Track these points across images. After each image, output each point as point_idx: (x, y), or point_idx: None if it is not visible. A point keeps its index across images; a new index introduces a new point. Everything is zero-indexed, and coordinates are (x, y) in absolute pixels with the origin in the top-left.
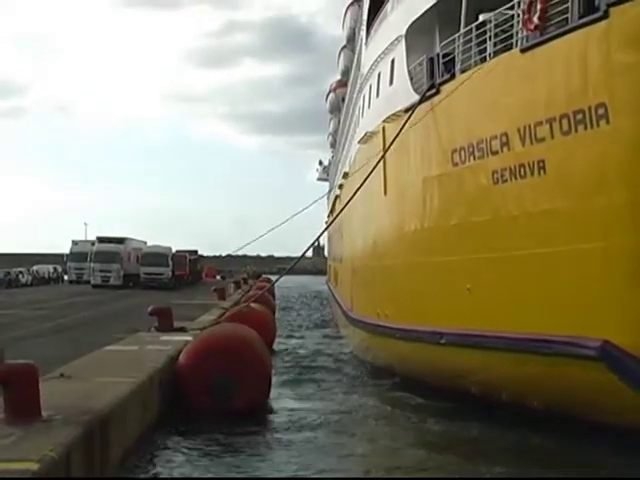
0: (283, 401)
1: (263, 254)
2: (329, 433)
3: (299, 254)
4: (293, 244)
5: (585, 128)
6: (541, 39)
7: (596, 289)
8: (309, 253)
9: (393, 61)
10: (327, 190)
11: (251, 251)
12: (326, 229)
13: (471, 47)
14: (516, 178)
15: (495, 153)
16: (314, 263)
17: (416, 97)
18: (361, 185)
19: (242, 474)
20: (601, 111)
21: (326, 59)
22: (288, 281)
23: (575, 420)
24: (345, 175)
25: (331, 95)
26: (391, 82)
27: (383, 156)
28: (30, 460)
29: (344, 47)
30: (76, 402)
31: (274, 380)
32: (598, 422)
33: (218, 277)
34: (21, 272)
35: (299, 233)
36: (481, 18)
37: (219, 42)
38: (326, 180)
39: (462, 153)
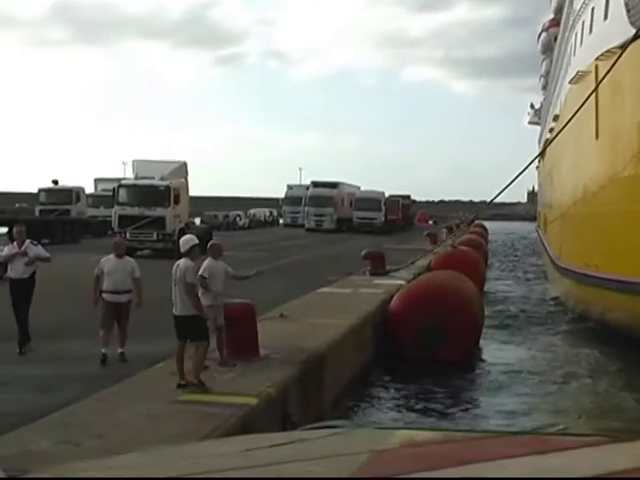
0: (491, 349)
1: (476, 199)
2: (535, 383)
3: (513, 200)
4: (507, 190)
5: None
6: None
7: None
8: (523, 199)
9: None
10: (538, 134)
11: (464, 196)
12: (524, 170)
13: None
14: None
15: None
16: (527, 209)
17: (632, 31)
18: (570, 129)
19: (447, 421)
20: None
21: None
22: (500, 227)
23: None
24: (555, 118)
25: (543, 35)
26: (606, 16)
27: (595, 97)
28: (249, 395)
29: None
30: (293, 342)
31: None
32: None
33: (430, 222)
34: (239, 215)
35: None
36: None
37: None
38: (537, 124)
39: None
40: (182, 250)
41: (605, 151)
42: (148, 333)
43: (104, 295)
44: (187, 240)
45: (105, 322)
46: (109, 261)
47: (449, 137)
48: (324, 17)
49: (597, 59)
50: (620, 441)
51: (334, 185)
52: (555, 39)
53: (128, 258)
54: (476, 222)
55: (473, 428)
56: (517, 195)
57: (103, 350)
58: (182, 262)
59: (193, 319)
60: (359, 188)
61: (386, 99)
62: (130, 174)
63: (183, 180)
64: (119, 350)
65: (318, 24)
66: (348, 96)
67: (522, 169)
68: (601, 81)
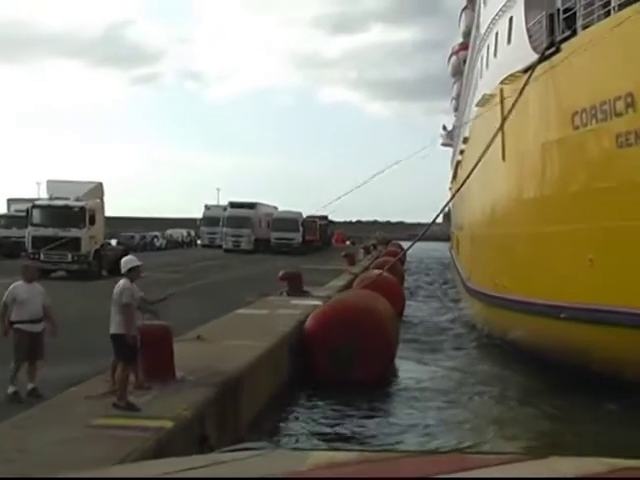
0: (406, 368)
1: (393, 220)
2: (446, 403)
3: (429, 220)
4: (424, 210)
5: None
6: None
7: None
8: (439, 219)
9: (511, 19)
10: (451, 155)
11: (381, 217)
12: (453, 197)
13: (594, 1)
14: None
15: (619, 115)
16: (443, 230)
17: (535, 56)
18: (478, 150)
19: (363, 440)
20: None
21: (457, 22)
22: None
23: None
24: (465, 140)
25: (453, 58)
26: (509, 41)
27: (501, 120)
28: (165, 418)
29: (465, 7)
30: (209, 364)
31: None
32: None
33: (348, 242)
34: (156, 236)
35: (430, 199)
36: None
37: (348, 7)
38: (450, 145)
39: (584, 115)
40: (122, 270)
41: (511, 173)
42: (63, 356)
43: (18, 326)
44: (128, 261)
45: (21, 355)
46: (20, 287)
47: (365, 158)
48: (240, 37)
49: (502, 82)
50: (536, 458)
51: (252, 205)
52: (464, 62)
53: (37, 284)
54: (393, 242)
55: (390, 448)
56: (433, 216)
57: (13, 388)
58: (121, 282)
59: (121, 338)
60: (276, 208)
61: (303, 119)
62: (44, 195)
63: (99, 201)
64: (31, 386)
65: (234, 44)
66: (265, 116)
67: (448, 200)
68: (510, 104)
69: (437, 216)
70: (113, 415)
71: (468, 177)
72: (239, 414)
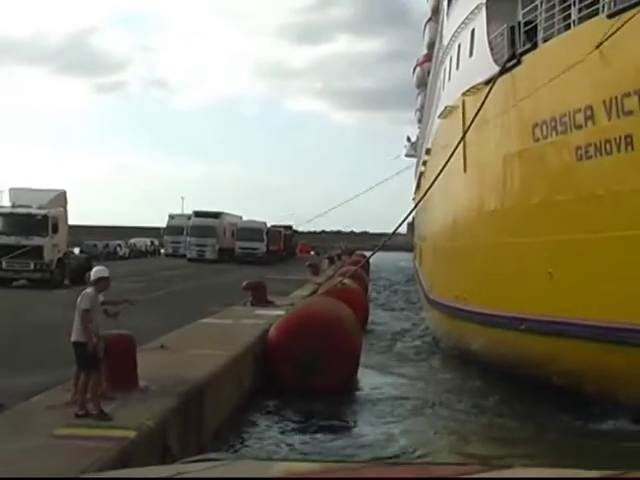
0: (369, 377)
1: (357, 230)
2: (409, 412)
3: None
4: (388, 220)
5: None
6: (630, 3)
7: None
8: (403, 230)
9: (473, 31)
10: (414, 167)
11: (345, 227)
12: (415, 207)
13: (554, 14)
14: (601, 154)
15: (579, 127)
16: (407, 240)
17: (496, 68)
18: (441, 162)
19: (328, 450)
20: None
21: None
22: (381, 258)
23: None
24: (428, 151)
25: (417, 69)
26: (471, 53)
27: (463, 131)
28: (128, 428)
29: (429, 19)
30: (173, 373)
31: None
32: None
33: (312, 253)
34: (119, 245)
35: (394, 209)
36: None
37: (314, 17)
38: (414, 156)
39: (544, 128)
40: (91, 279)
41: (472, 184)
42: (25, 365)
43: None
44: (98, 271)
45: None
46: None
47: (330, 168)
48: (207, 45)
49: (463, 94)
50: (500, 468)
51: (216, 215)
52: (428, 74)
53: None
54: (358, 252)
55: (353, 458)
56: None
57: None
58: (87, 291)
59: (81, 346)
60: (241, 218)
61: (269, 129)
62: (7, 202)
63: (62, 209)
64: None
65: (201, 52)
66: (231, 125)
67: (410, 210)
68: (472, 116)
69: (397, 227)
70: (75, 425)
71: (430, 188)
72: (202, 424)
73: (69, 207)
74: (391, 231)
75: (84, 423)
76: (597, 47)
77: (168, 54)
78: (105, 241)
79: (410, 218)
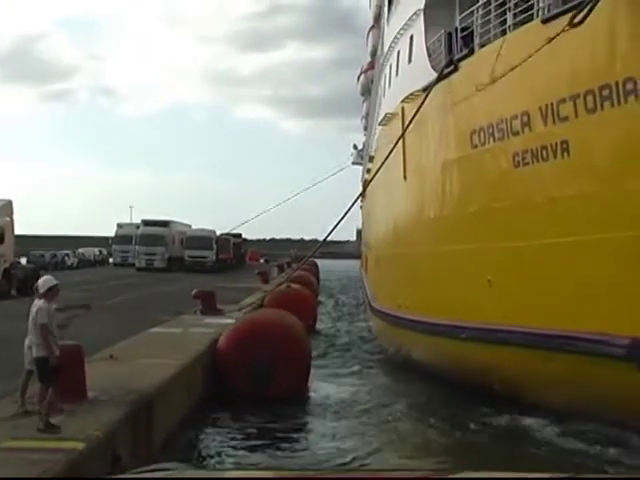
0: (320, 384)
1: (307, 238)
2: (359, 419)
3: (344, 238)
4: (339, 228)
5: (612, 105)
6: (564, 8)
7: (626, 282)
8: (353, 237)
9: (412, 37)
10: (360, 174)
11: (295, 235)
12: (344, 216)
13: (490, 20)
14: (538, 161)
15: (516, 134)
16: (356, 247)
17: (434, 75)
18: (381, 170)
19: (280, 458)
20: (630, 86)
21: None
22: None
23: (598, 419)
24: (371, 159)
25: (362, 77)
26: (410, 60)
27: (401, 139)
28: (76, 439)
29: (372, 27)
30: (122, 383)
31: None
32: (623, 423)
33: (262, 260)
34: (67, 254)
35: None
36: None
37: (262, 25)
38: (360, 164)
39: (481, 134)
40: (40, 291)
41: (412, 192)
42: None
43: None
44: (46, 281)
45: None
46: None
47: (279, 175)
48: (154, 53)
49: (403, 101)
50: (451, 473)
51: (165, 223)
52: (372, 81)
53: None
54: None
55: (305, 466)
56: (347, 233)
57: None
58: (39, 303)
59: (44, 360)
60: (190, 226)
61: (218, 136)
62: None
63: (8, 219)
64: None
65: (148, 60)
66: (179, 133)
67: (345, 210)
68: (410, 123)
69: (328, 235)
70: (23, 438)
71: (363, 192)
72: (152, 433)
73: (15, 217)
74: (340, 239)
75: (32, 436)
76: (536, 52)
77: (116, 62)
78: (53, 251)
79: (359, 225)
